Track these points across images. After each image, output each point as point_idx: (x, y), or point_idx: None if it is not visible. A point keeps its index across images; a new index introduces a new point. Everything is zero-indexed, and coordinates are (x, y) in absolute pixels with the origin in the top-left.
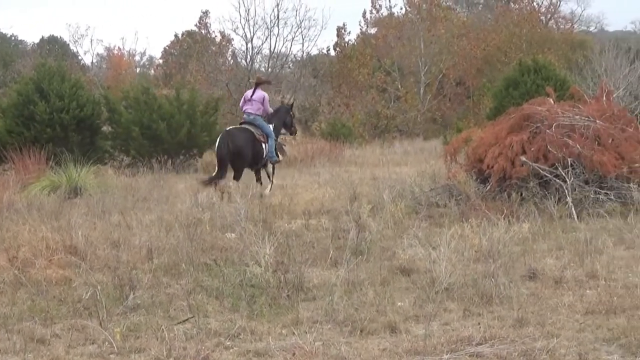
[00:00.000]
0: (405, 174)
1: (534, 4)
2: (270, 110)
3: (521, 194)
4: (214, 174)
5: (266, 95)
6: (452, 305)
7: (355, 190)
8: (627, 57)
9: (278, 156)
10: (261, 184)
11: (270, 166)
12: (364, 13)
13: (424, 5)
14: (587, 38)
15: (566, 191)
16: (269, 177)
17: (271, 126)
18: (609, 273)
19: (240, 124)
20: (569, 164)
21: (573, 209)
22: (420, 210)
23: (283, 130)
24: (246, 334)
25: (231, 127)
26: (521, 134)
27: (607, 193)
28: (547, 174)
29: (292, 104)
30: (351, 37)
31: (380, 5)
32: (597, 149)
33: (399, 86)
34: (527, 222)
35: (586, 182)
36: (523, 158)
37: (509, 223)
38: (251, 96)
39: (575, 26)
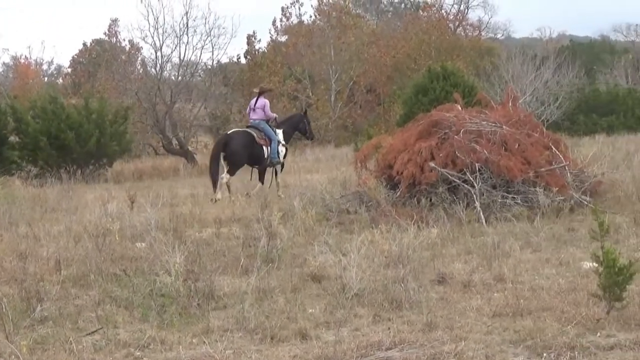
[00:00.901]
0: (317, 181)
1: (442, 11)
2: (272, 115)
3: (430, 200)
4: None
5: (267, 102)
6: (362, 311)
7: (266, 198)
8: (533, 63)
9: (279, 157)
10: (262, 183)
11: (278, 168)
12: (274, 21)
13: (334, 13)
14: (495, 45)
15: (474, 196)
16: (275, 178)
17: (281, 131)
18: (516, 276)
19: (247, 127)
20: (477, 169)
21: (481, 213)
22: (331, 217)
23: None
24: (156, 344)
25: (234, 129)
26: (430, 140)
27: (514, 197)
28: (455, 180)
29: (306, 111)
30: (262, 45)
31: (290, 13)
32: (504, 154)
33: (310, 94)
34: (437, 227)
35: (494, 187)
36: (432, 164)
37: (419, 228)
38: (254, 105)
39: (483, 33)
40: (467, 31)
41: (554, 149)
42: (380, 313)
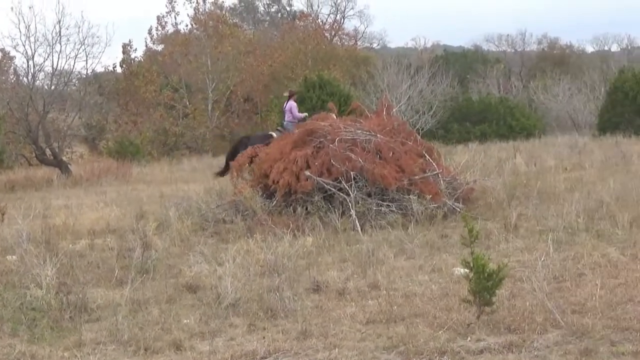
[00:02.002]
0: (193, 191)
1: (319, 21)
2: (300, 115)
3: (306, 208)
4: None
5: (294, 104)
6: (237, 321)
7: (142, 208)
8: (408, 72)
9: None
10: None
11: None
12: (150, 30)
13: (211, 23)
14: (371, 54)
15: (350, 204)
16: None
17: None
18: (390, 283)
19: (276, 128)
20: (352, 177)
21: (357, 221)
22: (207, 226)
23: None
24: (26, 358)
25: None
26: (305, 149)
27: (388, 205)
28: (331, 188)
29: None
30: (138, 54)
31: (166, 22)
32: (379, 162)
33: (187, 103)
34: (312, 235)
35: (369, 195)
36: (307, 172)
37: (295, 237)
38: (284, 108)
39: (359, 43)
40: (344, 40)
41: (427, 156)
42: (255, 322)
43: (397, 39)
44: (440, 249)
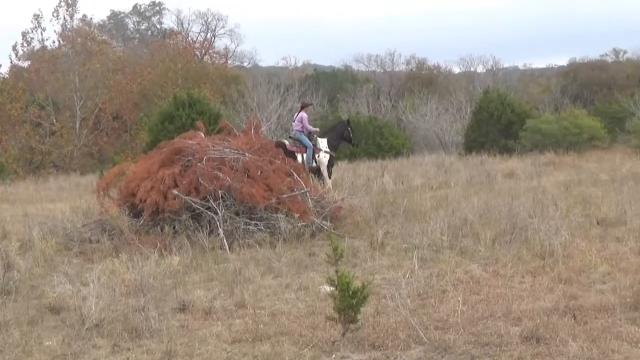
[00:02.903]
0: (59, 210)
1: (189, 39)
2: (310, 127)
3: (174, 227)
4: None
5: (305, 115)
6: (101, 342)
7: (5, 228)
8: (278, 91)
9: (314, 162)
10: (321, 181)
11: (325, 171)
12: (15, 46)
13: (79, 39)
14: (241, 73)
15: (218, 223)
16: (325, 178)
17: (325, 140)
18: (256, 301)
19: (288, 136)
20: (220, 196)
21: (225, 240)
22: (72, 246)
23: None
24: None
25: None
26: (173, 168)
27: (257, 224)
28: (199, 207)
29: (349, 120)
30: (2, 70)
31: (32, 38)
32: (247, 181)
33: (54, 121)
34: (180, 254)
35: (237, 214)
36: (175, 191)
37: (162, 256)
38: (295, 117)
39: (230, 61)
40: (214, 59)
41: (295, 175)
42: (119, 343)
43: (268, 58)
44: (308, 267)
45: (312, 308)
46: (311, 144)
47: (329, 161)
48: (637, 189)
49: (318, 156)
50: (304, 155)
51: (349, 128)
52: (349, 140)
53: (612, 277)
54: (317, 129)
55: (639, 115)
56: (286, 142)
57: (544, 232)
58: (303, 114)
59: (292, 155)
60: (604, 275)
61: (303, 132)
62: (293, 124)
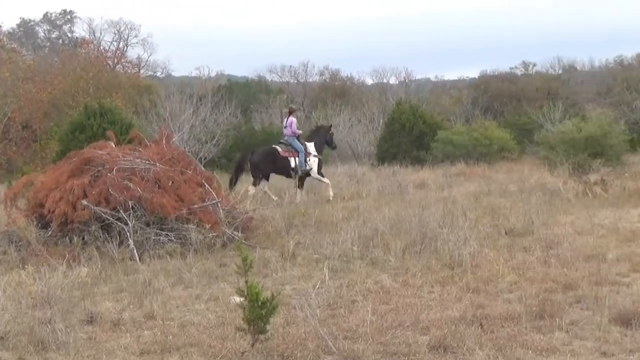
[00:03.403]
0: None
1: (101, 48)
2: (299, 132)
3: (84, 238)
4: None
5: (294, 120)
6: (6, 355)
7: None
8: (191, 101)
9: (306, 166)
10: (301, 188)
11: (315, 174)
12: None
13: None
14: (154, 83)
15: (128, 234)
16: (321, 181)
17: (312, 144)
18: (166, 313)
19: (279, 142)
20: (131, 206)
21: (135, 251)
22: None
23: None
24: None
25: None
26: (82, 178)
27: (167, 234)
28: (109, 217)
29: (331, 125)
30: None
31: None
32: (158, 191)
33: None
34: (88, 266)
35: (148, 224)
36: (84, 202)
37: (70, 267)
38: (285, 123)
39: (143, 71)
40: (127, 68)
41: (207, 186)
42: (25, 356)
43: (181, 68)
44: (219, 278)
45: (222, 319)
46: (302, 147)
47: (317, 164)
48: (545, 199)
49: (309, 160)
50: (297, 159)
51: (331, 132)
52: (331, 144)
53: (519, 287)
54: (301, 131)
55: (547, 127)
56: (279, 148)
57: (453, 242)
58: (292, 119)
59: (285, 160)
60: (510, 285)
61: (293, 136)
62: (284, 130)
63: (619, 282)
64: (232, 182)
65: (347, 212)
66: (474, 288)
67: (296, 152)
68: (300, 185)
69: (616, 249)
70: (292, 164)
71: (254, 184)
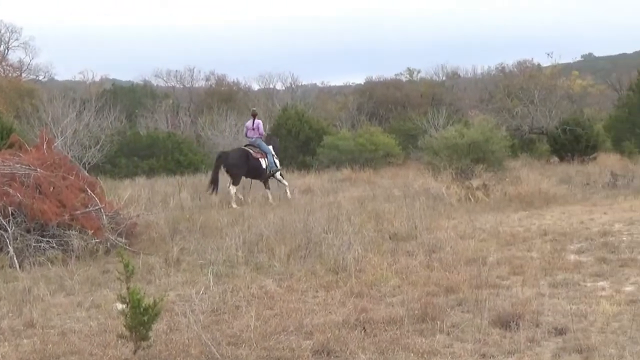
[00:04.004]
0: None
1: None
2: (263, 133)
3: None
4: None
5: (261, 122)
6: None
7: None
8: (74, 105)
9: (277, 166)
10: (269, 189)
11: (279, 175)
12: None
13: None
14: (36, 87)
15: (7, 240)
16: (282, 182)
17: (270, 147)
18: (46, 321)
19: (245, 145)
20: (10, 213)
21: (15, 258)
22: None
23: None
24: None
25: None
26: None
27: (49, 241)
28: None
29: (277, 134)
30: None
31: None
32: (39, 197)
33: None
34: None
35: (28, 231)
36: None
37: None
38: (252, 125)
39: (24, 75)
40: (8, 72)
41: (89, 191)
42: None
43: (65, 72)
44: (102, 285)
45: (104, 326)
46: (270, 149)
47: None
48: (428, 204)
49: (276, 160)
50: (266, 160)
51: (277, 140)
52: (277, 151)
53: (402, 290)
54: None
55: (431, 132)
56: (251, 150)
57: (337, 247)
58: (259, 121)
59: (257, 162)
60: (394, 289)
61: (261, 137)
62: (248, 132)
63: (499, 285)
64: (214, 185)
65: (232, 217)
66: (358, 292)
67: (264, 154)
68: (267, 185)
69: (496, 252)
70: (264, 165)
71: (234, 184)
